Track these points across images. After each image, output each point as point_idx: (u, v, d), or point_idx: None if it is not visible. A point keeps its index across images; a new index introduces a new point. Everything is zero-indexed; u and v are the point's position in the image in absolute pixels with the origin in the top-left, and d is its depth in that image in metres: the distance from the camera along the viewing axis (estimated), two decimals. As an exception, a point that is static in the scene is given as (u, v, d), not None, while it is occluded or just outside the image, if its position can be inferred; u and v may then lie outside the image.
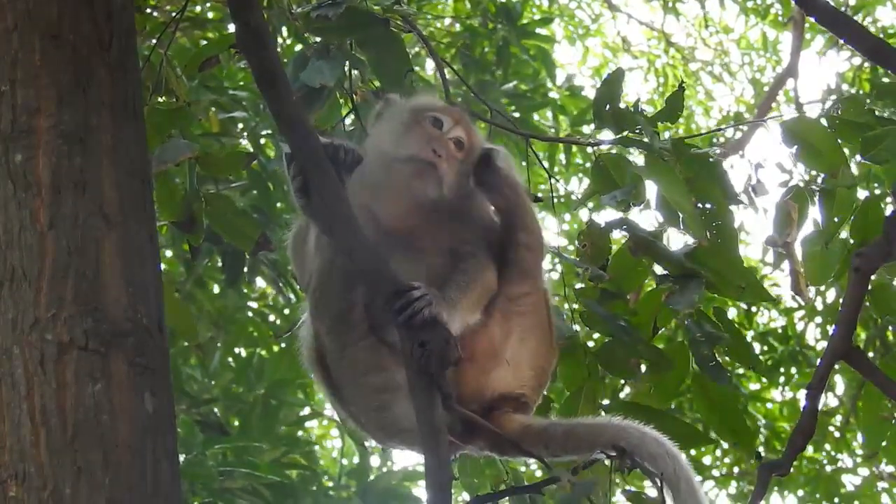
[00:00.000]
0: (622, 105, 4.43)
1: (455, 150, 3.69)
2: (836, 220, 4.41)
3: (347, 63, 4.75)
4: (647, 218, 4.52)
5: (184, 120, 4.99)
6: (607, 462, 3.66)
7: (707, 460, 12.98)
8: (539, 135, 5.14)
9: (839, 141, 4.41)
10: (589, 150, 4.68)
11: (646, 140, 4.31)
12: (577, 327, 4.46)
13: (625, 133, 4.41)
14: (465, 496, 4.92)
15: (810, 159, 4.42)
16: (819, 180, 4.44)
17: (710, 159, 4.30)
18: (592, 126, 4.60)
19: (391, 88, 4.62)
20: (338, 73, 4.62)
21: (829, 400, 12.77)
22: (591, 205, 4.65)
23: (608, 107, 4.41)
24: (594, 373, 4.37)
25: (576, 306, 4.42)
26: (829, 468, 12.51)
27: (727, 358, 4.43)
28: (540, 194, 5.00)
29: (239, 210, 5.24)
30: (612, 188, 4.37)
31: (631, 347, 4.25)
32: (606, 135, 4.50)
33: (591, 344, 4.50)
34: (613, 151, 4.52)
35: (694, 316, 4.33)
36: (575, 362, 4.38)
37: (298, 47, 7.01)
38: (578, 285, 4.43)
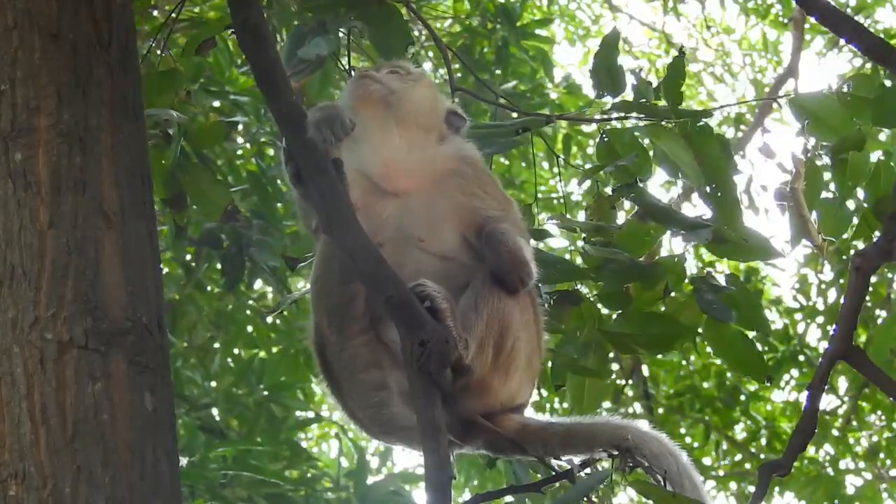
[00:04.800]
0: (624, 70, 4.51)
1: (391, 74, 3.91)
2: (849, 184, 4.51)
3: (343, 37, 4.76)
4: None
5: (177, 83, 4.99)
6: (607, 462, 3.66)
7: (707, 461, 12.99)
8: (540, 114, 5.15)
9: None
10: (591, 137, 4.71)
11: (643, 101, 4.39)
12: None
13: (622, 97, 4.49)
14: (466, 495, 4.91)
15: (820, 131, 4.51)
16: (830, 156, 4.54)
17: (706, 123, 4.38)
18: (593, 125, 4.63)
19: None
20: (334, 46, 4.62)
21: (830, 400, 12.78)
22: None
23: (606, 71, 4.48)
24: (597, 316, 4.42)
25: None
26: (829, 469, 12.51)
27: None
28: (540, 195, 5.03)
29: (213, 180, 5.28)
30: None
31: (628, 272, 4.29)
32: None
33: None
34: (617, 124, 4.55)
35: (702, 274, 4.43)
36: (577, 312, 4.42)
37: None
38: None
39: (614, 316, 4.45)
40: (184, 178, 4.99)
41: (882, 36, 4.35)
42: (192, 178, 5.06)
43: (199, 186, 5.07)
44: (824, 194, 4.63)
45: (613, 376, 11.77)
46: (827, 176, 4.61)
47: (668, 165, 4.32)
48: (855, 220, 4.69)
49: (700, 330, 4.45)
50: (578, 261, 4.53)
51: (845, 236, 4.74)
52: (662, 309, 4.45)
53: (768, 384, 4.09)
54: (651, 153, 4.49)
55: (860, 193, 4.64)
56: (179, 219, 5.20)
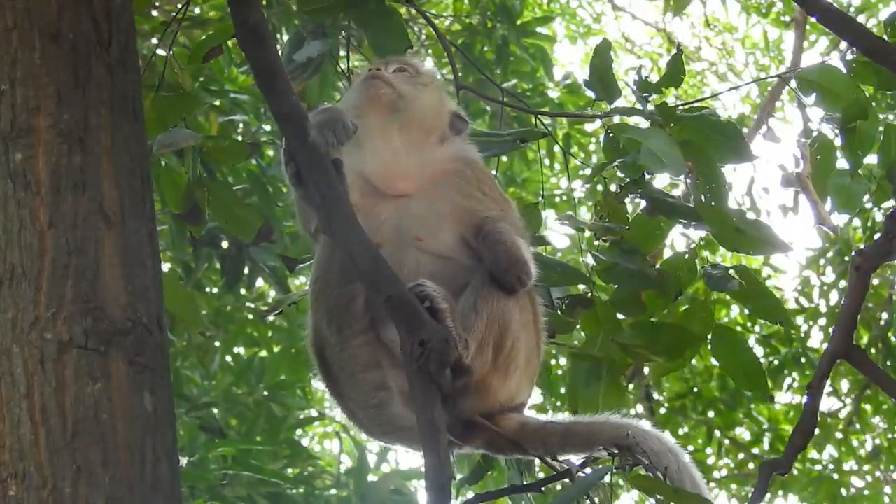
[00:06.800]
0: (625, 74, 4.53)
1: (398, 74, 3.87)
2: (859, 153, 4.51)
3: (343, 40, 4.74)
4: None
5: (188, 107, 4.96)
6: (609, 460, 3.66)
7: (710, 461, 12.98)
8: (547, 111, 5.13)
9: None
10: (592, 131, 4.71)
11: (639, 106, 4.41)
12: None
13: (617, 103, 4.51)
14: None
15: (829, 102, 4.52)
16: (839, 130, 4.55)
17: (700, 115, 4.37)
18: (597, 123, 4.64)
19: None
20: (329, 47, 4.60)
21: (832, 402, 12.78)
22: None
23: (599, 80, 4.50)
24: (612, 321, 4.42)
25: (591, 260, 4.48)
26: (831, 470, 12.51)
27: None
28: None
29: (240, 200, 5.18)
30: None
31: (638, 277, 4.31)
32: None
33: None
34: (618, 120, 4.58)
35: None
36: (593, 315, 4.43)
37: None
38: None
39: (623, 319, 4.46)
40: (205, 197, 4.93)
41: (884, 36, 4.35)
42: (219, 200, 4.96)
43: (228, 209, 4.99)
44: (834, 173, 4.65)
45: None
46: (837, 155, 4.63)
47: (651, 159, 4.28)
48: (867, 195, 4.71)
49: (710, 342, 4.45)
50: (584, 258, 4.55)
51: (856, 227, 4.76)
52: (672, 310, 4.46)
53: (771, 402, 4.09)
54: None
55: (872, 163, 4.64)
56: (196, 231, 5.12)
